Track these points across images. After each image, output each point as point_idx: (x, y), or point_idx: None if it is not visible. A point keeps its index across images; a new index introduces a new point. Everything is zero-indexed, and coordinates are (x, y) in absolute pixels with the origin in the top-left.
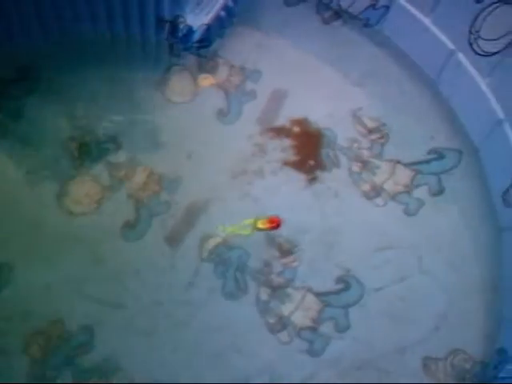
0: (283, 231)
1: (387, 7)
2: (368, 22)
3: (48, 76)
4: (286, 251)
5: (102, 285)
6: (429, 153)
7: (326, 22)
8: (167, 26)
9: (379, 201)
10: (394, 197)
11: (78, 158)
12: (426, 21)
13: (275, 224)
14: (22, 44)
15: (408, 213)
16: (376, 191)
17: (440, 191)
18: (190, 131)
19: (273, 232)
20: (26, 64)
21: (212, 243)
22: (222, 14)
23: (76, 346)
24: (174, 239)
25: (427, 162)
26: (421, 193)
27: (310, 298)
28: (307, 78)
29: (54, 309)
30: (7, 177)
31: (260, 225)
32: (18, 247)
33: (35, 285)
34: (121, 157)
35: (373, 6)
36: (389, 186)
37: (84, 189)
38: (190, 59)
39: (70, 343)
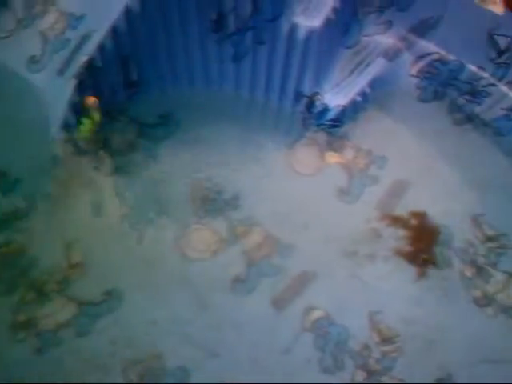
0: (386, 318)
1: None
2: (499, 131)
3: (185, 125)
4: (387, 339)
5: (203, 331)
6: None
7: (456, 123)
8: (305, 101)
9: (489, 311)
10: (505, 310)
11: (201, 206)
12: None
13: None
14: (170, 92)
15: None
16: (487, 300)
17: None
18: (309, 203)
19: (375, 317)
20: (168, 111)
21: (316, 315)
22: (358, 98)
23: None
24: (279, 303)
25: None
26: None
27: None
28: (431, 173)
29: (155, 343)
30: (135, 212)
31: None
32: (133, 278)
33: (142, 317)
34: (242, 215)
35: (507, 117)
36: (501, 298)
37: (202, 237)
38: (320, 135)
39: (166, 379)
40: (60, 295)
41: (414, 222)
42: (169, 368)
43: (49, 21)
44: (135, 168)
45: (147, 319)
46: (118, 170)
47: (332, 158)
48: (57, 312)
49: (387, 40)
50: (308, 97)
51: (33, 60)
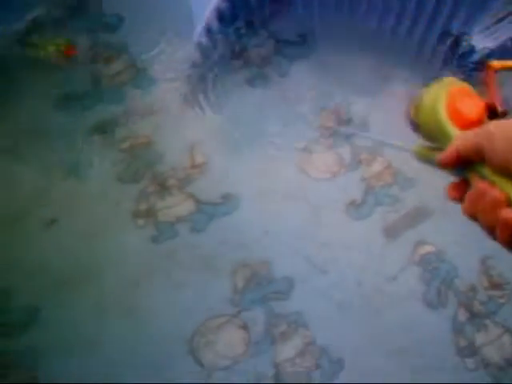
0: (498, 264)
1: None
2: None
3: (322, 49)
4: (496, 285)
5: (315, 247)
6: None
7: None
8: (450, 40)
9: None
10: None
11: (327, 130)
12: None
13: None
14: (313, 15)
15: None
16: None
17: None
18: None
19: (488, 261)
20: (307, 32)
21: (426, 249)
22: (509, 43)
23: (275, 290)
24: (391, 232)
25: None
26: None
27: (508, 338)
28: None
29: (266, 251)
30: (259, 118)
31: None
32: (251, 187)
33: (256, 225)
34: (366, 142)
35: None
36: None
37: (325, 158)
38: (457, 74)
39: (271, 286)
40: (180, 191)
41: None
42: (275, 276)
43: None
44: (264, 82)
45: (260, 227)
46: (249, 82)
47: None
48: (176, 206)
49: None
50: (455, 36)
51: None
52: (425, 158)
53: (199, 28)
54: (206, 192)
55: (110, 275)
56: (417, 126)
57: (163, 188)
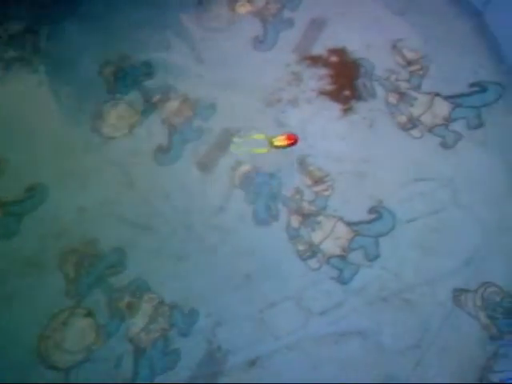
0: (316, 159)
1: None
2: None
3: (84, 1)
4: (318, 180)
5: (134, 208)
6: (470, 86)
7: None
8: None
9: (415, 132)
10: (431, 129)
11: (113, 82)
12: None
13: (293, 140)
14: None
15: (445, 145)
16: (413, 123)
17: (479, 125)
18: (225, 58)
19: (305, 160)
20: None
21: (243, 170)
22: None
23: (108, 266)
24: (205, 165)
25: (468, 95)
26: (459, 126)
27: (341, 226)
28: (346, 5)
29: (87, 229)
30: (43, 99)
31: (277, 142)
32: (53, 169)
33: (69, 206)
34: (155, 83)
35: None
36: (426, 119)
37: (118, 113)
38: None
39: (103, 263)
40: None
41: (333, 59)
42: (105, 251)
43: None
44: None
45: (74, 207)
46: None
47: (243, 7)
48: None
49: None
50: None
51: None
52: None
53: None
54: (9, 191)
55: None
56: None
57: None
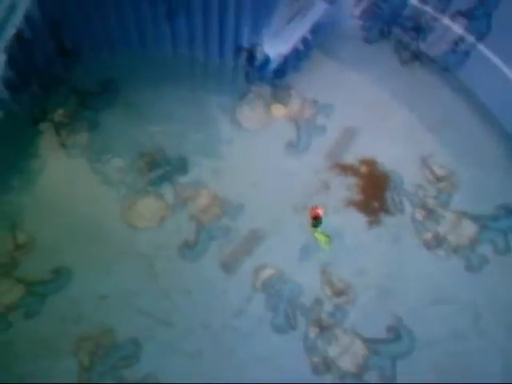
0: (338, 270)
1: (467, 53)
2: (446, 66)
3: (127, 91)
4: (339, 291)
5: (155, 301)
6: (498, 208)
7: (404, 62)
8: (245, 54)
9: (440, 251)
10: (456, 249)
11: (146, 173)
12: (509, 72)
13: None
14: (107, 58)
15: (469, 269)
16: (438, 241)
17: (506, 250)
18: (257, 159)
19: (327, 270)
20: (108, 77)
21: (267, 274)
22: (300, 46)
23: (122, 357)
24: (229, 265)
25: (495, 217)
26: (486, 249)
27: (358, 343)
28: (380, 117)
29: (105, 318)
30: (78, 183)
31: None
32: (79, 254)
33: (92, 292)
34: (188, 178)
35: (452, 51)
36: (452, 238)
37: (148, 204)
38: (265, 88)
39: (117, 353)
40: (8, 277)
41: (363, 169)
42: (120, 341)
43: None
44: (78, 139)
45: (96, 294)
46: (63, 145)
47: (278, 110)
48: (4, 294)
49: None
50: (248, 49)
51: None
52: None
53: None
54: (36, 271)
55: None
56: None
57: None
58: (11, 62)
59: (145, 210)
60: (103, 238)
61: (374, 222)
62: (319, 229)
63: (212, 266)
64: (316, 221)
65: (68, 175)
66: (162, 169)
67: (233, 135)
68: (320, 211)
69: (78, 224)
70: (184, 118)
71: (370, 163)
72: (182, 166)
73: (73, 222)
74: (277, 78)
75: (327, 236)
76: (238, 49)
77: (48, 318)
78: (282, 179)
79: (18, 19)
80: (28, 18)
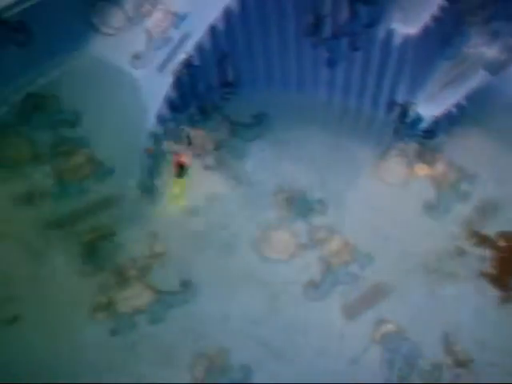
0: (461, 341)
1: None
2: None
3: (277, 127)
4: (461, 363)
5: (273, 332)
6: None
7: None
8: (398, 110)
9: None
10: None
11: (284, 209)
12: None
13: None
14: (263, 94)
15: None
16: None
17: None
18: (393, 214)
19: (452, 339)
20: (261, 112)
21: (387, 328)
22: (454, 110)
23: (232, 379)
24: (350, 312)
25: None
26: None
27: None
28: None
29: (224, 339)
30: (217, 206)
31: None
32: (208, 271)
33: (215, 311)
34: (322, 220)
35: None
36: None
37: (282, 238)
38: (412, 146)
39: (228, 376)
40: (140, 281)
41: (502, 243)
42: (232, 365)
43: (155, 19)
44: (222, 166)
45: (219, 314)
46: (206, 167)
47: (422, 170)
48: (135, 297)
49: (491, 52)
50: (401, 105)
51: (136, 56)
52: None
53: (152, 118)
54: (165, 281)
55: (69, 373)
56: None
57: (123, 279)
58: (177, 83)
59: (278, 243)
60: (233, 260)
61: (507, 298)
62: (185, 179)
63: (333, 310)
64: (182, 169)
65: (209, 195)
66: (300, 207)
67: (373, 186)
68: (184, 158)
69: (210, 242)
70: (326, 162)
71: (510, 238)
72: (319, 207)
73: (206, 240)
74: (426, 138)
75: (183, 191)
76: (392, 103)
77: (171, 328)
78: (416, 238)
79: (190, 46)
80: (200, 47)
